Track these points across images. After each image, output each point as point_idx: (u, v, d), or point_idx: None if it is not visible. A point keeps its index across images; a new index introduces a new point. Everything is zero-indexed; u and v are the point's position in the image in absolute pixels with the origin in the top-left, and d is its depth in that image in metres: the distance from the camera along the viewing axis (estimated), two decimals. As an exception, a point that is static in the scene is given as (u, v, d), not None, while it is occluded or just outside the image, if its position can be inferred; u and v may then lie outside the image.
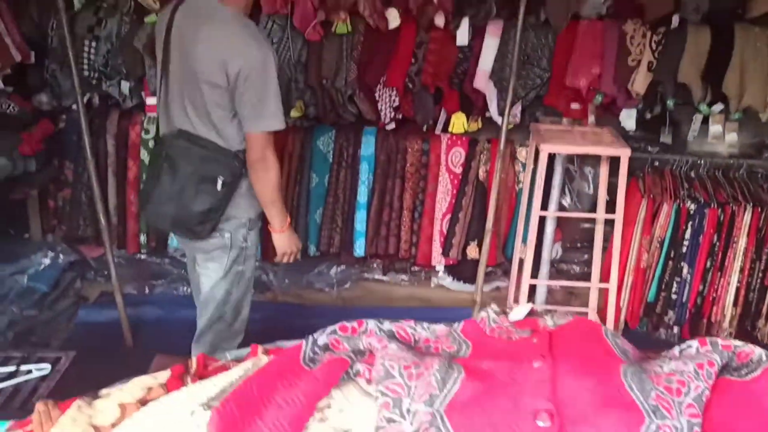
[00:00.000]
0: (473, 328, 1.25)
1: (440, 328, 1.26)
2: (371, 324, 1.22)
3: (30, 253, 3.16)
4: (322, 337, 1.19)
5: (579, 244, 3.80)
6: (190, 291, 3.61)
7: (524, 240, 3.33)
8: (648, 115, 3.33)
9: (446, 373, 1.07)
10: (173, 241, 3.38)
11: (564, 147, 2.90)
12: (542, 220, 3.32)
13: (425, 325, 1.26)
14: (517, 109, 3.25)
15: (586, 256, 3.76)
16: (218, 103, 2.10)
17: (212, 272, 2.31)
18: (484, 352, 1.17)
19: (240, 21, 2.12)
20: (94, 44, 3.19)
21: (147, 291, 3.65)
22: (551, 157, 3.18)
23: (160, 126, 2.32)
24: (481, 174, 3.32)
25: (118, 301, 3.21)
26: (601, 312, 3.34)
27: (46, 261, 3.18)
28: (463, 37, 3.12)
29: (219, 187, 2.13)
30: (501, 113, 3.23)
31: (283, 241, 2.35)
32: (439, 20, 3.10)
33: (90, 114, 3.23)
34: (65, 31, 3.04)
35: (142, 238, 3.43)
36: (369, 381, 1.11)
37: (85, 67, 3.20)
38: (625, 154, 2.85)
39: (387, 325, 1.23)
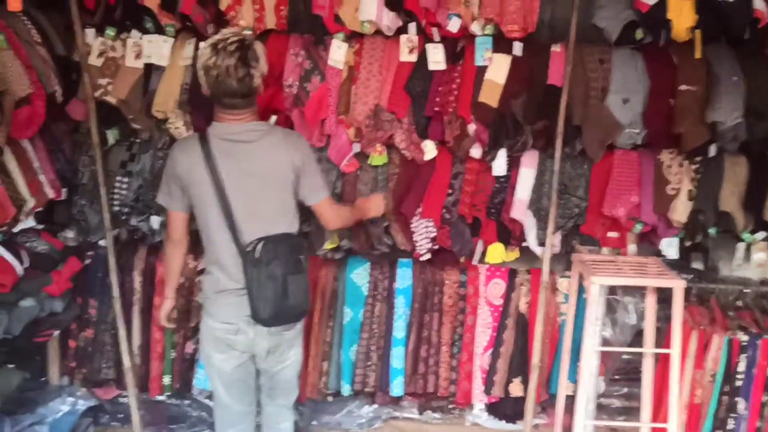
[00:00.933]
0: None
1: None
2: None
3: (49, 400, 2.95)
4: None
5: (617, 377, 3.62)
6: (211, 435, 3.40)
7: (570, 376, 3.18)
8: (687, 243, 3.27)
9: None
10: (198, 381, 3.19)
11: (615, 279, 2.81)
12: (585, 353, 3.20)
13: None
14: (556, 238, 3.18)
15: (625, 390, 3.58)
16: (292, 195, 2.45)
17: (294, 355, 2.57)
18: None
19: (269, 124, 2.55)
20: (126, 179, 3.15)
21: (165, 435, 3.41)
22: (592, 288, 3.12)
23: (228, 249, 2.38)
24: (522, 306, 3.21)
25: (140, 449, 2.99)
26: (654, 452, 3.13)
27: (65, 408, 2.96)
28: (500, 167, 3.10)
29: (304, 263, 2.44)
30: (540, 243, 3.19)
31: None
32: (475, 151, 3.10)
33: (117, 249, 3.14)
34: (98, 167, 3.05)
35: (167, 380, 3.23)
36: None
37: (116, 202, 3.14)
38: (679, 285, 2.76)
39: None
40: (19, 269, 2.60)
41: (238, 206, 2.34)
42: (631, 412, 3.47)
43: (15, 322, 2.53)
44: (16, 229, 2.71)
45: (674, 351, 2.82)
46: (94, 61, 3.09)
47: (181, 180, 2.38)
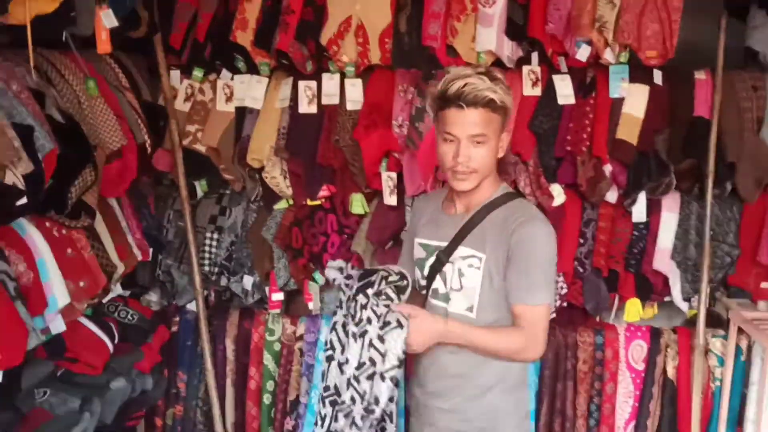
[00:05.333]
0: None
1: None
2: None
3: (139, 492, 2.61)
4: None
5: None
6: None
7: (728, 451, 2.76)
8: None
9: None
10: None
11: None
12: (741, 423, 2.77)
13: None
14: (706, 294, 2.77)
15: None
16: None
17: None
18: None
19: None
20: (216, 236, 2.83)
21: None
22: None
23: None
24: (670, 371, 2.78)
25: None
26: None
27: (156, 499, 2.62)
28: (640, 213, 2.72)
29: None
30: (685, 297, 2.78)
31: None
32: (611, 195, 2.72)
33: (206, 314, 2.81)
34: (187, 222, 2.74)
35: (265, 461, 2.86)
36: None
37: (206, 261, 2.82)
38: None
39: None
40: (110, 346, 2.27)
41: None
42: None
43: (108, 407, 2.19)
44: (105, 300, 2.39)
45: None
46: (181, 106, 2.81)
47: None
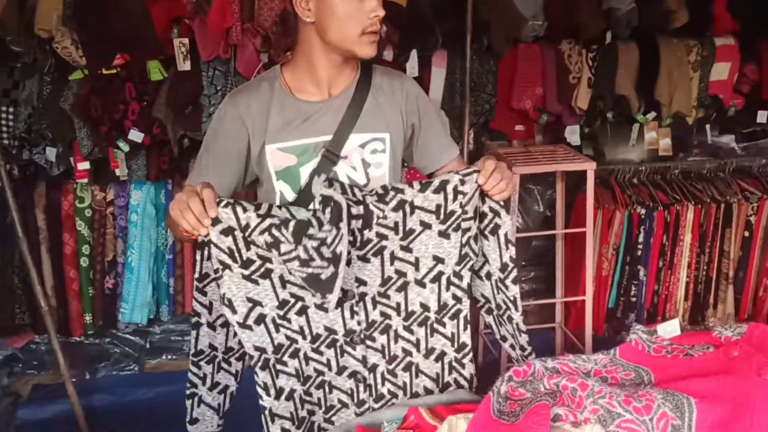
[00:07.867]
0: (632, 352, 1.18)
1: (599, 357, 1.18)
2: (538, 364, 1.13)
3: (-38, 354, 2.73)
4: (503, 387, 1.08)
5: (524, 263, 3.86)
6: (137, 370, 3.30)
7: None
8: (587, 130, 3.47)
9: (674, 400, 1.00)
10: (123, 315, 3.05)
11: (534, 168, 2.93)
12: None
13: (583, 357, 1.18)
14: (469, 136, 3.26)
15: (532, 274, 3.83)
16: None
17: None
18: (671, 374, 1.11)
19: None
20: (11, 109, 2.85)
21: (88, 377, 3.27)
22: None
23: None
24: (443, 203, 3.29)
25: (71, 392, 2.88)
26: (568, 325, 3.40)
27: (-19, 360, 2.76)
28: (413, 69, 3.10)
29: None
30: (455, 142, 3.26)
31: None
32: (387, 54, 3.07)
33: (12, 187, 2.87)
34: (-22, 97, 2.74)
35: (87, 318, 3.06)
36: (575, 424, 1.01)
37: (5, 135, 2.85)
38: (591, 167, 2.93)
39: (550, 362, 1.14)
40: None
41: None
42: (538, 292, 3.74)
43: None
44: None
45: (588, 229, 3.02)
46: (-45, -26, 2.71)
47: None
